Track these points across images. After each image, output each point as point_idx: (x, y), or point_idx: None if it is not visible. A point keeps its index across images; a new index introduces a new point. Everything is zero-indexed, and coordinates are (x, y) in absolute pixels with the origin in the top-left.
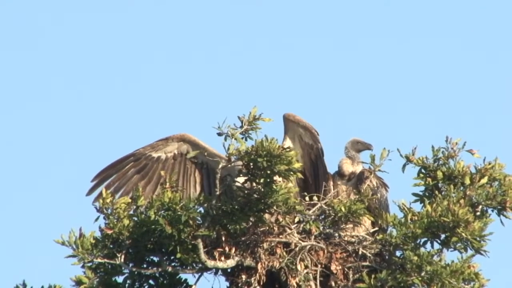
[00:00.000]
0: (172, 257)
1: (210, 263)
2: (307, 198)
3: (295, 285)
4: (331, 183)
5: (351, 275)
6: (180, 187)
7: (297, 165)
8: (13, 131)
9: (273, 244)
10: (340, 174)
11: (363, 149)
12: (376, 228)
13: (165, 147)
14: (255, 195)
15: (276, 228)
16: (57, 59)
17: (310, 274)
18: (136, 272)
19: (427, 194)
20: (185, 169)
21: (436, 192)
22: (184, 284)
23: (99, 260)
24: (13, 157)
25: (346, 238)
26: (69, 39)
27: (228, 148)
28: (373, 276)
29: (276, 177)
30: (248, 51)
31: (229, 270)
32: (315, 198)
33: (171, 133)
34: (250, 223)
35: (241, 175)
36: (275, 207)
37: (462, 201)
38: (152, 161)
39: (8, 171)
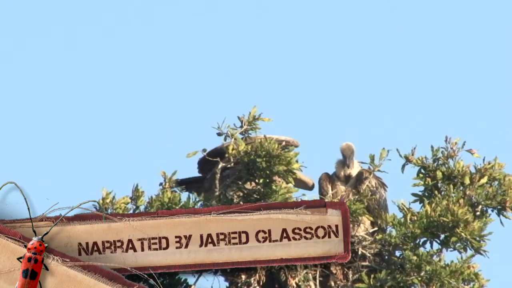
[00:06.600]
0: None
1: None
2: (306, 198)
3: (295, 285)
4: (328, 183)
5: (350, 275)
6: (180, 188)
7: (296, 166)
8: (13, 129)
9: None
10: (336, 175)
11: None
12: (376, 228)
13: None
14: (255, 196)
15: None
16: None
17: (310, 274)
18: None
19: (426, 194)
20: None
21: (436, 192)
22: (184, 284)
23: None
24: (12, 157)
25: None
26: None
27: (228, 148)
28: (372, 276)
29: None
30: (248, 50)
31: (228, 270)
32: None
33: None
34: None
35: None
36: None
37: (461, 201)
38: None
39: (8, 170)
